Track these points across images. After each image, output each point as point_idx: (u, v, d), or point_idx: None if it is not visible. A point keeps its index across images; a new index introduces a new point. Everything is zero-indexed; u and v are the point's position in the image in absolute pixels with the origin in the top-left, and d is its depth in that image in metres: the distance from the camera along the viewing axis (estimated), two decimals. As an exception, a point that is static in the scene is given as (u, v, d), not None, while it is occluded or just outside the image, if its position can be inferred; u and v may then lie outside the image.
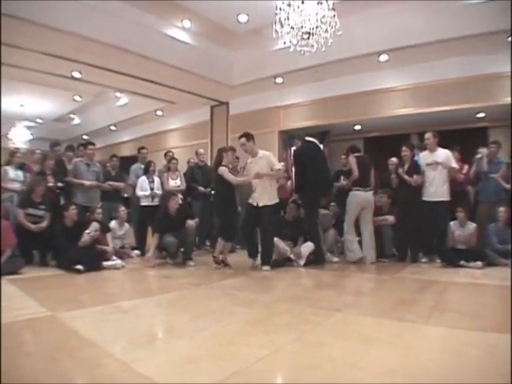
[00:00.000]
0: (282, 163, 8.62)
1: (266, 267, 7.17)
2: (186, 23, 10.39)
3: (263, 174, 7.26)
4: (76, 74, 11.75)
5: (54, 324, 3.73)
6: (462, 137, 10.78)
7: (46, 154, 8.89)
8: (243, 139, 7.42)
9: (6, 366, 2.65)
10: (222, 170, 7.15)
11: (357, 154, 8.56)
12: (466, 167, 8.76)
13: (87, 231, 7.36)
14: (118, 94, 15.53)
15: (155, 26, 9.95)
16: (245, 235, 7.96)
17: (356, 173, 8.17)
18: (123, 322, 3.91)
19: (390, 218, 8.20)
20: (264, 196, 7.39)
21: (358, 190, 8.16)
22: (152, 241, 7.93)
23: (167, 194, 8.33)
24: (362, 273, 7.17)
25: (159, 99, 14.35)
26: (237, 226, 7.83)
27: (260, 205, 7.37)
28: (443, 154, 8.00)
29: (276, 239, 7.72)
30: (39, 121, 18.98)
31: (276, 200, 7.57)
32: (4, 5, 7.34)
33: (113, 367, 2.74)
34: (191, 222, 7.86)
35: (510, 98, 9.32)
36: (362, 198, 8.16)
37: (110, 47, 9.42)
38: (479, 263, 7.28)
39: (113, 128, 18.87)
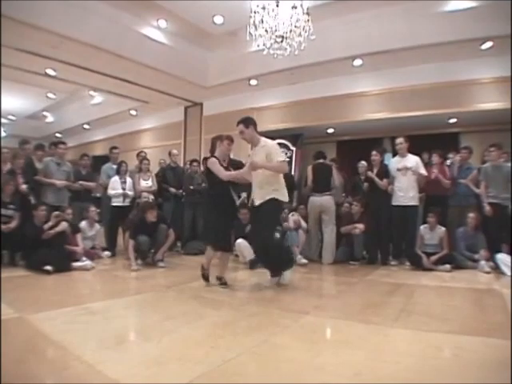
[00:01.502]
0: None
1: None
2: (162, 23, 10.39)
3: (262, 165, 5.68)
4: (50, 72, 11.69)
5: (21, 326, 3.69)
6: (434, 142, 10.88)
7: (16, 152, 8.77)
8: (241, 126, 5.88)
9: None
10: (211, 162, 5.85)
11: (316, 162, 8.87)
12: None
13: (54, 214, 7.42)
14: (92, 93, 15.45)
15: (131, 25, 9.93)
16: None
17: (309, 182, 8.69)
18: (92, 323, 3.88)
19: (360, 227, 8.26)
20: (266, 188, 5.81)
21: (314, 196, 8.56)
22: (125, 244, 7.92)
23: (147, 206, 8.08)
24: (332, 275, 7.23)
25: (133, 99, 14.31)
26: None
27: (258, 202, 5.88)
28: (413, 160, 8.12)
29: (240, 241, 7.83)
30: (11, 118, 18.77)
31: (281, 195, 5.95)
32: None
33: (80, 369, 2.73)
34: (164, 226, 7.90)
35: (482, 104, 9.53)
36: (317, 203, 8.52)
37: (85, 45, 9.38)
38: (448, 266, 7.39)
39: (86, 127, 18.76)
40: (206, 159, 6.05)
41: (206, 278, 6.00)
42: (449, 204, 8.67)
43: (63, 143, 8.96)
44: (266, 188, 5.76)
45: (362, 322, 3.99)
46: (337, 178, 9.01)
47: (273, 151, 5.78)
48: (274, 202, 5.77)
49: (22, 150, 8.78)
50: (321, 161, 8.88)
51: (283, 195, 5.89)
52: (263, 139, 6.00)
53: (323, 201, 8.47)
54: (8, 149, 9.20)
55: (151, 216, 7.68)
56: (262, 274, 6.53)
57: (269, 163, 5.70)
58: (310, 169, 8.82)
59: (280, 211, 6.67)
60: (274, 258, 5.93)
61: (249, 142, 6.10)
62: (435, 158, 8.75)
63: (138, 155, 10.62)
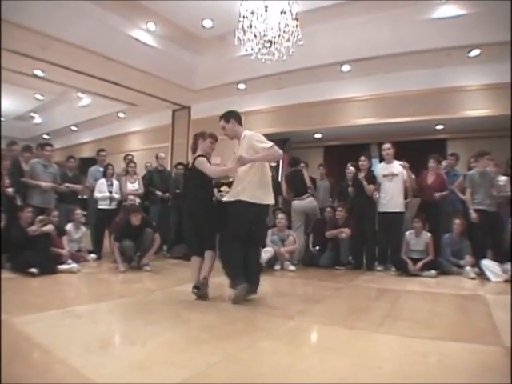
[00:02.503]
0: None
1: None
2: (151, 26, 10.37)
3: (251, 159, 5.08)
4: (38, 73, 11.64)
5: (5, 328, 3.64)
6: (421, 148, 10.93)
7: (3, 153, 8.73)
8: (222, 121, 5.41)
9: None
10: (199, 162, 5.32)
11: (289, 170, 9.48)
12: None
13: (38, 218, 7.34)
14: (80, 94, 15.37)
15: (120, 27, 9.90)
16: (238, 249, 5.17)
17: (284, 192, 9.30)
18: (77, 327, 3.87)
19: (346, 231, 8.32)
20: (268, 190, 5.29)
21: (296, 200, 8.93)
22: (111, 247, 7.92)
23: (131, 209, 8.09)
24: (318, 280, 7.19)
25: (121, 101, 14.27)
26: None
27: (265, 203, 5.25)
28: (399, 166, 8.17)
29: None
30: (-1, 118, 18.67)
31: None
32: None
33: (63, 373, 2.72)
34: (150, 230, 7.88)
35: (469, 111, 9.61)
36: (299, 206, 8.88)
37: (74, 47, 9.34)
38: (433, 272, 7.41)
39: (74, 128, 18.72)
40: (192, 162, 5.34)
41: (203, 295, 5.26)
42: (442, 210, 8.58)
43: (50, 145, 8.95)
44: (269, 187, 5.30)
45: (347, 328, 3.99)
46: (308, 179, 9.18)
47: (255, 140, 5.14)
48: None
49: (10, 151, 8.74)
50: (293, 168, 9.31)
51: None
52: (245, 132, 5.36)
53: (304, 203, 8.84)
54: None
55: (135, 219, 7.65)
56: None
57: (258, 155, 5.12)
58: (283, 179, 9.42)
59: None
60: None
61: (231, 138, 5.50)
62: (432, 164, 8.65)
63: (124, 158, 10.60)
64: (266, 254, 7.82)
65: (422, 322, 4.30)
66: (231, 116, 5.41)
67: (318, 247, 8.76)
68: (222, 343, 3.41)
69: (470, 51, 8.99)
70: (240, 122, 5.46)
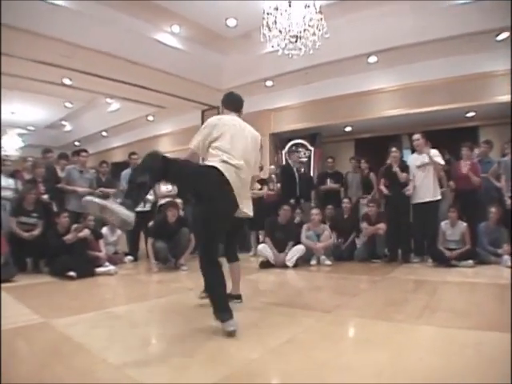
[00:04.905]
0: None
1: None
2: (175, 28, 10.40)
3: None
4: (66, 81, 11.77)
5: (46, 331, 3.72)
6: (453, 136, 10.80)
7: (36, 161, 8.90)
8: None
9: (5, 367, 2.70)
10: None
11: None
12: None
13: (73, 227, 7.48)
14: (109, 100, 15.51)
15: (144, 31, 9.95)
16: None
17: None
18: (116, 328, 3.91)
19: (382, 227, 8.26)
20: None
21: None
22: (146, 247, 8.00)
23: (169, 204, 8.23)
24: (354, 274, 7.17)
25: (150, 104, 14.34)
26: None
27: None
28: (431, 154, 8.04)
29: (262, 246, 7.78)
30: (31, 128, 18.95)
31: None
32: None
33: (106, 373, 2.75)
34: (186, 230, 7.96)
35: (500, 97, 9.43)
36: None
37: (99, 54, 9.43)
38: (470, 262, 7.32)
39: (104, 134, 18.87)
40: None
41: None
42: (478, 199, 8.40)
43: (85, 151, 9.12)
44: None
45: (385, 320, 3.97)
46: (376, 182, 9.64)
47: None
48: None
49: (44, 158, 8.91)
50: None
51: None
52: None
53: None
54: (32, 157, 9.39)
55: (171, 214, 7.74)
56: (282, 273, 6.58)
57: None
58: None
59: None
60: None
61: None
62: (465, 152, 8.54)
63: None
64: (298, 252, 7.80)
65: (460, 313, 4.25)
66: (222, 102, 4.53)
67: (340, 240, 8.79)
68: (261, 339, 3.41)
69: (497, 35, 8.84)
70: (229, 107, 4.48)
